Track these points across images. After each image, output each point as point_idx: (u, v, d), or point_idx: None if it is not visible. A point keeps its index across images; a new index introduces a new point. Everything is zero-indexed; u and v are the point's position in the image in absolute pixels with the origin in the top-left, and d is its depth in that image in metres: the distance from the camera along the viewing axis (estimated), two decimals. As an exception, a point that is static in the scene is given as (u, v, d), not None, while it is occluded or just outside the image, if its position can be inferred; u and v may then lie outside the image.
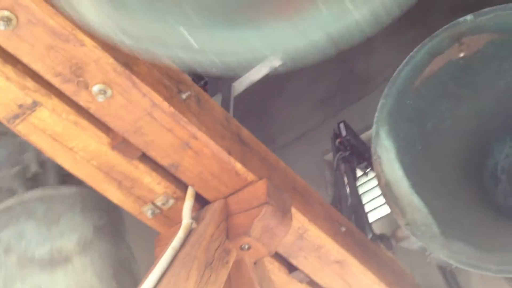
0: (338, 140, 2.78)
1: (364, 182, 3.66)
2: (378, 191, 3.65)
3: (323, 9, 0.99)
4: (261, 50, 1.09)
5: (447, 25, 1.68)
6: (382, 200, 3.62)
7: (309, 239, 1.59)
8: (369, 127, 4.04)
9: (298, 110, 4.76)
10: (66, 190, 1.56)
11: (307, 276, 1.67)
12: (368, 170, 2.92)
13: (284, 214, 1.42)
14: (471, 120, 1.94)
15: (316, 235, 1.60)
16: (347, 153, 2.76)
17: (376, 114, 1.81)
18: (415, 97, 1.86)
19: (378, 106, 1.80)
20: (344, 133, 2.76)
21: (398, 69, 1.83)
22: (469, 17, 1.64)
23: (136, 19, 1.02)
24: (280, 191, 1.46)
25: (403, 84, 1.82)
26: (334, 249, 1.65)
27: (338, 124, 2.83)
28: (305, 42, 1.04)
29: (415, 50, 1.76)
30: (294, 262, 1.64)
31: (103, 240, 1.54)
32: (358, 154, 2.81)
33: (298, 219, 1.54)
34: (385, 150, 1.84)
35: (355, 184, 2.67)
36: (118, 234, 1.65)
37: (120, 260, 1.56)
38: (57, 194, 1.54)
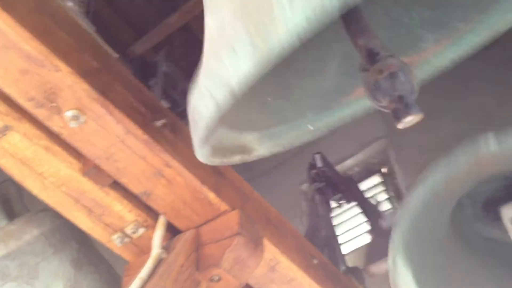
0: (314, 171, 2.79)
1: (339, 214, 3.67)
2: (352, 223, 3.67)
3: None
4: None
5: (465, 146, 1.57)
6: (355, 232, 3.64)
7: (281, 271, 1.58)
8: (345, 158, 4.10)
9: (275, 140, 4.77)
10: (28, 236, 1.50)
11: (278, 308, 1.65)
12: (342, 202, 2.93)
13: (256, 245, 1.41)
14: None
15: (288, 267, 1.59)
16: (322, 184, 2.77)
17: (391, 242, 1.68)
18: (428, 218, 1.77)
19: (392, 233, 1.68)
20: (320, 164, 2.77)
21: (411, 192, 1.69)
22: (491, 141, 1.52)
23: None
24: (252, 222, 1.45)
25: (417, 208, 1.71)
26: (305, 282, 1.64)
27: (314, 155, 2.84)
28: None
29: (429, 170, 1.65)
30: (265, 294, 1.62)
31: (84, 270, 1.51)
32: (333, 186, 2.82)
33: (270, 250, 1.53)
34: (403, 279, 1.74)
35: (329, 216, 2.67)
36: (94, 255, 1.61)
37: (107, 281, 1.53)
38: (22, 245, 1.48)
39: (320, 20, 0.68)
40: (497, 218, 1.87)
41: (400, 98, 0.85)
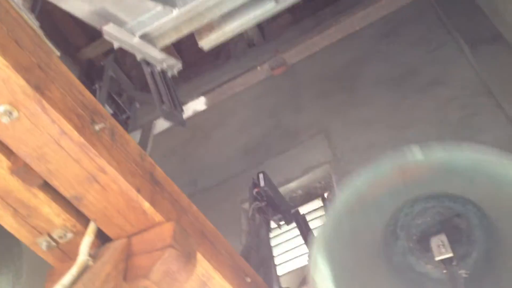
0: (256, 190, 2.79)
1: (278, 235, 3.68)
2: (290, 245, 3.69)
3: None
4: None
5: (393, 154, 1.64)
6: (293, 254, 3.65)
7: (212, 287, 1.56)
8: (289, 181, 4.13)
9: (222, 156, 4.78)
10: None
11: (205, 325, 1.62)
12: (282, 223, 2.94)
13: (188, 259, 1.38)
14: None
15: (219, 283, 1.57)
16: (263, 203, 2.77)
17: (315, 240, 1.74)
18: (353, 221, 1.81)
19: (317, 232, 1.73)
20: (262, 183, 2.78)
21: (338, 194, 1.74)
22: (416, 151, 1.61)
23: None
24: (186, 235, 1.43)
25: (342, 209, 1.76)
26: (236, 300, 1.62)
27: (258, 174, 2.85)
28: None
29: (357, 174, 1.71)
30: (194, 310, 1.59)
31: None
32: (274, 206, 2.82)
33: (203, 265, 1.51)
34: (322, 276, 1.77)
35: (267, 236, 2.67)
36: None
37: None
38: None
39: None
40: (429, 251, 1.92)
41: None
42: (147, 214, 1.36)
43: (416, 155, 1.52)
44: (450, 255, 1.68)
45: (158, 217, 1.38)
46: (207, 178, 4.63)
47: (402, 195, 1.73)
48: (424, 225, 1.91)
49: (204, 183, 4.59)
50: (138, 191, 1.32)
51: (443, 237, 1.74)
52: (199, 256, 1.47)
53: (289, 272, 3.36)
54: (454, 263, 1.71)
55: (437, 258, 1.68)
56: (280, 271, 3.18)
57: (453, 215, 1.89)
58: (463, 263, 1.81)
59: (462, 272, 1.74)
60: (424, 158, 1.51)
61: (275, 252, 3.30)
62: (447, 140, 3.29)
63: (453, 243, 1.82)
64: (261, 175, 2.81)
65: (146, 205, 1.35)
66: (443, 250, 1.69)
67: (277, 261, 3.21)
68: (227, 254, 1.70)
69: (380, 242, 1.82)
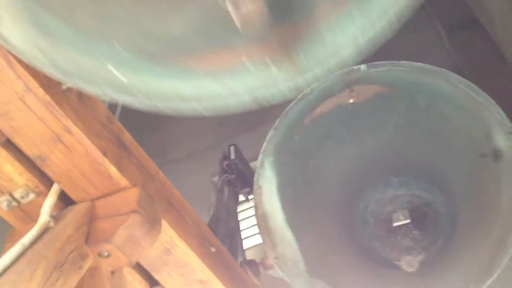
0: (226, 162, 2.78)
1: (246, 209, 3.69)
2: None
3: (252, 71, 1.03)
4: (188, 99, 1.10)
5: (341, 71, 1.74)
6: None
7: (176, 255, 1.56)
8: (260, 156, 4.13)
9: (194, 129, 4.73)
10: None
11: (167, 292, 1.63)
12: (250, 197, 2.95)
13: (153, 225, 1.38)
14: (351, 164, 2.02)
15: (183, 251, 1.57)
16: (233, 176, 2.77)
17: (264, 145, 1.83)
18: (303, 134, 1.90)
19: (267, 137, 1.82)
20: (233, 156, 2.77)
21: (291, 104, 1.86)
22: (362, 66, 1.71)
23: (63, 49, 1.00)
24: (152, 201, 1.42)
25: (293, 119, 1.85)
26: (199, 269, 1.62)
27: (229, 146, 2.84)
28: (230, 97, 1.10)
29: (309, 88, 1.79)
30: (157, 276, 1.59)
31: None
32: (243, 179, 2.82)
33: (168, 233, 1.50)
34: (267, 181, 1.85)
35: (235, 208, 2.68)
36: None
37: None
38: None
39: None
40: (394, 237, 1.98)
41: None
42: (112, 178, 1.34)
43: (361, 68, 1.63)
44: (408, 221, 1.73)
45: (123, 181, 1.36)
46: (177, 149, 4.59)
47: (348, 113, 1.80)
48: (393, 213, 1.97)
49: (174, 154, 4.55)
50: (104, 154, 1.30)
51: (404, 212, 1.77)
52: (164, 223, 1.46)
53: (254, 246, 3.38)
54: (415, 250, 1.76)
55: (395, 224, 1.73)
56: (246, 244, 3.20)
57: (422, 204, 1.95)
58: (426, 251, 1.86)
59: (420, 259, 1.79)
60: (367, 70, 1.62)
61: (242, 225, 3.31)
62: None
63: (420, 231, 1.87)
64: (232, 148, 2.80)
65: (112, 169, 1.33)
66: (401, 217, 1.73)
67: (243, 234, 3.22)
68: (193, 223, 1.69)
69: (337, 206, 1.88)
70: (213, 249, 1.74)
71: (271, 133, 1.82)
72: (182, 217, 1.62)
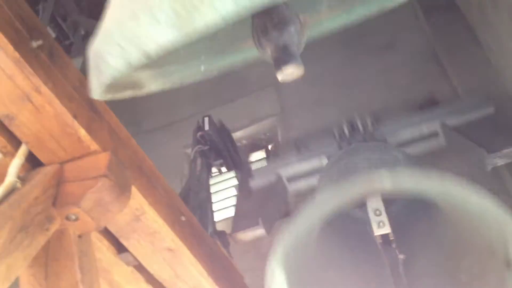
0: (200, 133, 2.77)
1: (220, 182, 3.70)
2: (230, 192, 3.72)
3: None
4: None
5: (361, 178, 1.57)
6: (231, 201, 3.69)
7: (146, 222, 1.55)
8: (235, 130, 4.12)
9: (170, 99, 4.68)
10: None
11: (135, 259, 1.62)
12: (223, 169, 2.95)
13: (122, 191, 1.36)
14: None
15: (153, 219, 1.56)
16: (206, 147, 2.76)
17: (272, 251, 1.62)
18: (310, 236, 1.76)
19: (274, 245, 1.62)
20: (207, 127, 2.75)
21: (299, 212, 1.67)
22: (386, 177, 1.46)
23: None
24: (123, 167, 1.40)
25: (301, 228, 1.67)
26: (169, 237, 1.62)
27: (203, 117, 2.82)
28: None
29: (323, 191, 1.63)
30: (125, 243, 1.58)
31: None
32: (217, 151, 2.82)
33: (138, 200, 1.49)
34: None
35: (207, 179, 2.68)
36: None
37: None
38: None
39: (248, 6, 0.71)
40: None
41: (285, 48, 0.85)
42: (82, 142, 1.32)
43: (385, 183, 1.40)
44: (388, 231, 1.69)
45: (94, 145, 1.34)
46: (152, 120, 4.56)
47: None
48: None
49: (148, 124, 4.52)
50: (75, 116, 1.27)
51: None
52: (134, 190, 1.44)
53: (226, 219, 3.39)
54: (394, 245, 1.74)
55: (376, 234, 1.69)
56: (218, 217, 3.21)
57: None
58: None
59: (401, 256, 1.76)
60: (392, 187, 1.40)
61: (215, 198, 3.32)
62: (392, 104, 3.36)
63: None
64: (206, 119, 2.78)
65: (82, 132, 1.30)
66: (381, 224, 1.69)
67: (216, 207, 3.22)
68: (164, 191, 1.68)
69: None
70: (183, 218, 1.74)
71: (279, 242, 1.62)
72: (152, 185, 1.61)
